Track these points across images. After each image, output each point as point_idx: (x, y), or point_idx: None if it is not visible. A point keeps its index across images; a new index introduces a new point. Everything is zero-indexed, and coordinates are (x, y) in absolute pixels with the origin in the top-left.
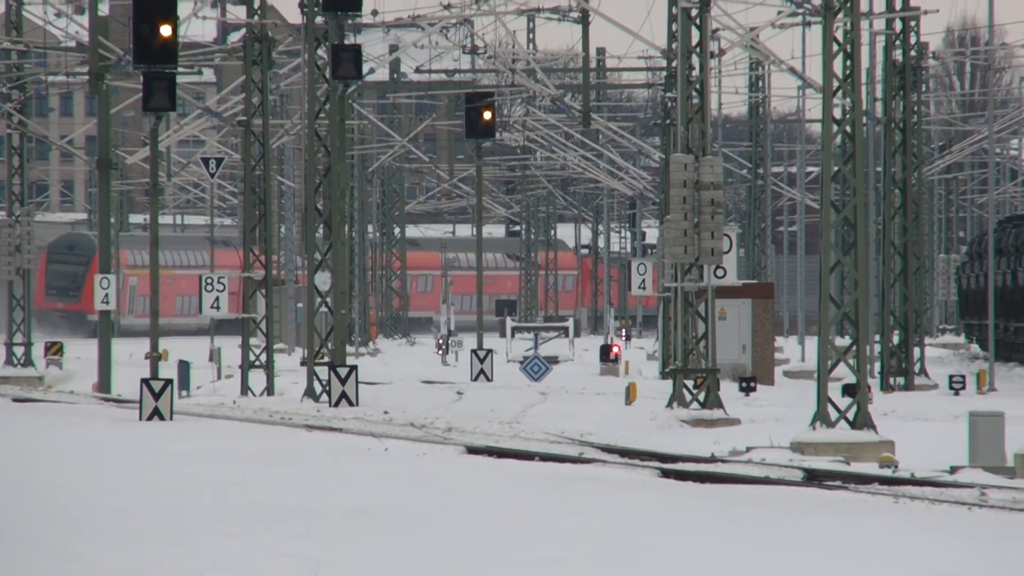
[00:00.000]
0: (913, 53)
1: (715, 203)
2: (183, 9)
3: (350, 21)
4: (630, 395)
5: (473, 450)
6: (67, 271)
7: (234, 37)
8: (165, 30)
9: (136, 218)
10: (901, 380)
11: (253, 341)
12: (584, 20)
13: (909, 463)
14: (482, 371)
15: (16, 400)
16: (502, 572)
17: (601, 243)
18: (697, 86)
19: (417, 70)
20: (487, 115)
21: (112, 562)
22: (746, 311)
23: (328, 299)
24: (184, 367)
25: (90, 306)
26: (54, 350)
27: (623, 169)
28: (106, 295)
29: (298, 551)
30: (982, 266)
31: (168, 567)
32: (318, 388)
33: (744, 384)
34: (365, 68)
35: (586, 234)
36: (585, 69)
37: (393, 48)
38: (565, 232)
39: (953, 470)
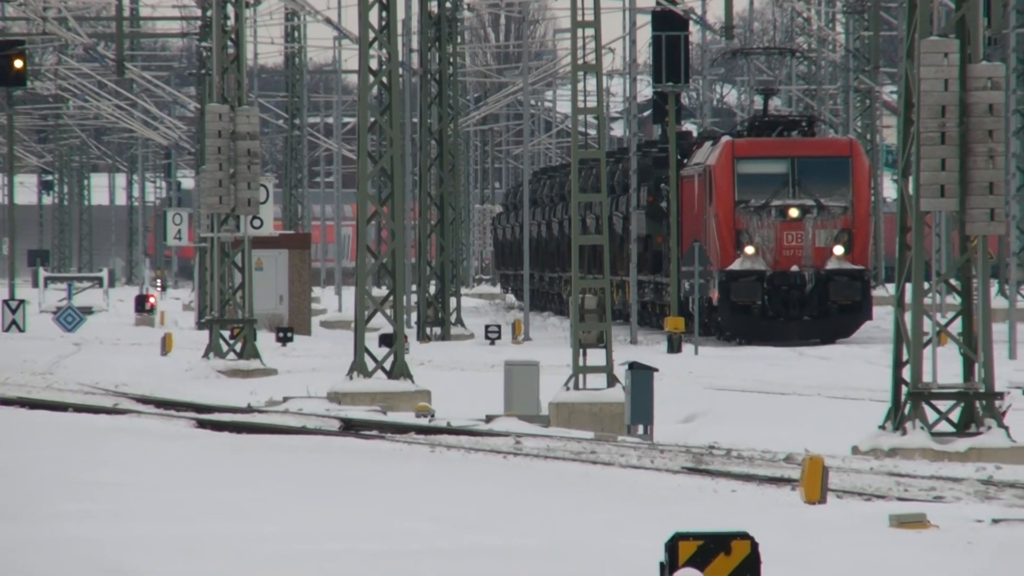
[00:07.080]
0: (448, 5)
1: (251, 153)
2: None
3: None
4: (166, 345)
5: (3, 401)
6: None
7: None
8: None
9: None
10: (438, 330)
11: None
12: None
13: (446, 412)
14: (14, 321)
15: None
16: (24, 528)
17: (136, 193)
18: (233, 36)
19: None
20: (18, 63)
21: None
22: (283, 261)
23: None
24: None
25: None
26: None
27: (158, 119)
28: None
29: None
30: (517, 217)
31: None
32: None
33: (281, 334)
34: None
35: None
36: (119, 18)
37: None
38: (100, 182)
39: (489, 419)
